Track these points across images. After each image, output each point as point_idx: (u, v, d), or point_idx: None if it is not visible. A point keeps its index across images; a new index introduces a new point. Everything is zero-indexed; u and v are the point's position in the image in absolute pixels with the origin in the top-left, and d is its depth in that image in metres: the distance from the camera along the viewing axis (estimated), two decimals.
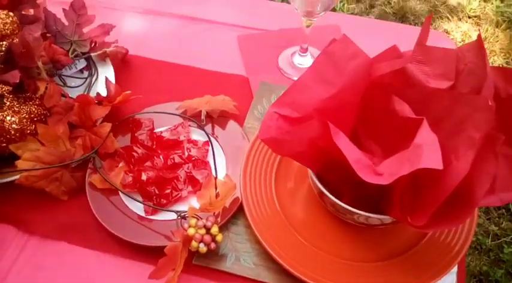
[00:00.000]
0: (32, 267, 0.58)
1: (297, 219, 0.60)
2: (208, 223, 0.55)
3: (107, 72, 0.74)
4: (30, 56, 0.61)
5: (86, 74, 0.75)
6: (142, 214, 0.61)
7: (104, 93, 0.68)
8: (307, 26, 0.72)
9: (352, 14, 1.76)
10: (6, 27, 0.65)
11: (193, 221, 0.55)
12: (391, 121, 0.51)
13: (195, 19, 0.86)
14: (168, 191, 0.61)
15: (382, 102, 0.51)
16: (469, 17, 1.73)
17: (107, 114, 0.66)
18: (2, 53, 0.64)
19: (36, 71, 0.64)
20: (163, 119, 0.69)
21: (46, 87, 0.64)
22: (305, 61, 0.78)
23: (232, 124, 0.68)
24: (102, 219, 0.59)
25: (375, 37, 0.83)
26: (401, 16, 1.74)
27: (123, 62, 0.78)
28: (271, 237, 0.57)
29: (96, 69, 0.75)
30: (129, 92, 0.65)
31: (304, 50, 0.77)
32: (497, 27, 1.68)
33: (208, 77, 0.78)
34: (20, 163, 0.61)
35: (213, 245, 0.54)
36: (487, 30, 1.66)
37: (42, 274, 0.58)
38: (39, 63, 0.61)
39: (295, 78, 0.75)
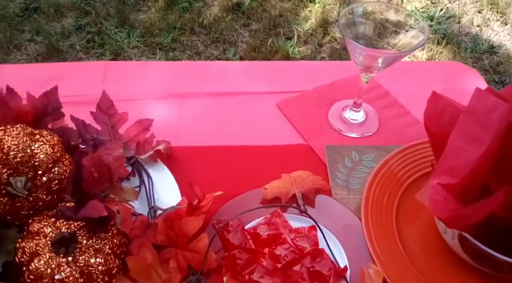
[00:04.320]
0: None
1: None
2: None
3: (159, 174, 0.65)
4: (103, 181, 0.51)
5: (133, 181, 0.65)
6: None
7: (167, 200, 0.59)
8: (366, 82, 0.69)
9: (305, 55, 1.80)
10: (56, 150, 0.53)
11: None
12: None
13: (225, 94, 0.79)
14: None
15: None
16: None
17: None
18: (56, 182, 0.52)
19: (103, 195, 0.53)
20: (246, 212, 0.61)
21: (117, 210, 0.54)
22: (358, 116, 0.75)
23: (327, 200, 0.62)
24: None
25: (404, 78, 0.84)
26: None
27: (168, 158, 0.69)
28: None
29: (147, 174, 0.65)
30: (219, 192, 0.57)
31: (359, 105, 0.74)
32: (438, 44, 1.81)
33: (266, 153, 0.71)
34: None
35: None
36: (431, 50, 1.79)
37: None
38: (122, 185, 0.50)
39: (351, 135, 0.73)
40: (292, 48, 1.82)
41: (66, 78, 0.80)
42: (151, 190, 0.62)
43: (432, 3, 2.04)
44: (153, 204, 0.60)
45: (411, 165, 0.65)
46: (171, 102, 0.78)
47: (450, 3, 2.05)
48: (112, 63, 0.84)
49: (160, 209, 0.59)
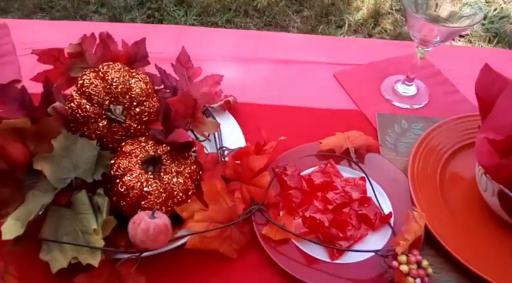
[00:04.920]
0: None
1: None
2: (419, 258, 0.54)
3: (226, 123, 0.73)
4: (188, 114, 0.59)
5: None
6: (324, 259, 0.59)
7: (232, 144, 0.67)
8: (421, 58, 0.75)
9: None
10: (148, 87, 0.62)
11: (404, 258, 0.54)
12: None
13: (286, 61, 0.86)
14: (350, 232, 0.60)
15: None
16: (461, 36, 1.87)
17: None
18: (146, 114, 0.61)
19: (186, 127, 0.62)
20: (301, 161, 0.68)
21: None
22: (409, 89, 0.81)
23: (377, 158, 0.69)
24: (292, 270, 0.57)
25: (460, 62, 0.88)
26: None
27: (234, 111, 0.76)
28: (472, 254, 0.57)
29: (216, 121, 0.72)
30: (283, 137, 0.64)
31: (411, 80, 0.80)
32: (489, 42, 1.82)
33: (322, 115, 0.78)
34: (193, 226, 0.57)
35: (427, 279, 0.53)
36: (481, 47, 1.80)
37: None
38: (204, 118, 0.59)
39: (401, 105, 0.79)
40: (342, 36, 1.87)
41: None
42: (220, 135, 0.70)
43: (486, 2, 2.04)
44: (221, 146, 0.68)
45: (457, 134, 0.71)
46: (237, 65, 0.86)
47: (505, 3, 2.04)
48: (185, 27, 0.92)
49: (228, 149, 0.67)
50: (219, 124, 0.61)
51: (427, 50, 0.73)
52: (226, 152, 0.67)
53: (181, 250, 0.57)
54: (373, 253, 0.58)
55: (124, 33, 0.89)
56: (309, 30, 1.90)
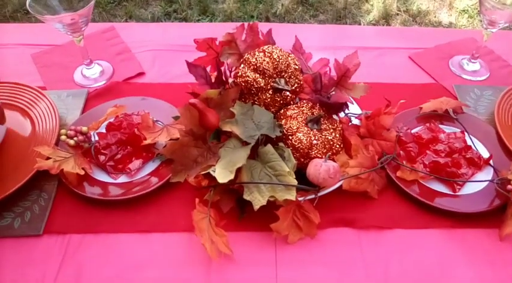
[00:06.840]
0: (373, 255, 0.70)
1: None
2: None
3: None
4: (334, 82, 0.75)
5: None
6: (447, 192, 0.75)
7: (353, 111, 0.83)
8: (485, 40, 0.93)
9: None
10: (297, 64, 0.77)
11: None
12: None
13: (365, 48, 1.03)
14: (464, 171, 0.76)
15: None
16: None
17: None
18: (297, 85, 0.76)
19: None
20: (408, 123, 0.84)
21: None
22: (474, 66, 0.99)
23: (466, 116, 0.86)
24: (426, 199, 0.73)
25: None
26: None
27: None
28: None
29: None
30: (403, 100, 0.80)
31: (476, 58, 0.98)
32: None
33: (407, 88, 0.95)
34: (350, 170, 0.72)
35: None
36: None
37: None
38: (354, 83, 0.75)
39: (469, 78, 0.96)
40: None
41: None
42: None
43: None
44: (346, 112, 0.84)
45: None
46: (327, 52, 1.02)
47: None
48: (276, 24, 1.08)
49: (353, 114, 0.82)
50: (369, 86, 0.76)
51: (493, 30, 0.91)
52: (352, 117, 0.82)
53: (335, 193, 0.72)
54: (485, 185, 0.75)
55: (205, 32, 1.02)
56: None
